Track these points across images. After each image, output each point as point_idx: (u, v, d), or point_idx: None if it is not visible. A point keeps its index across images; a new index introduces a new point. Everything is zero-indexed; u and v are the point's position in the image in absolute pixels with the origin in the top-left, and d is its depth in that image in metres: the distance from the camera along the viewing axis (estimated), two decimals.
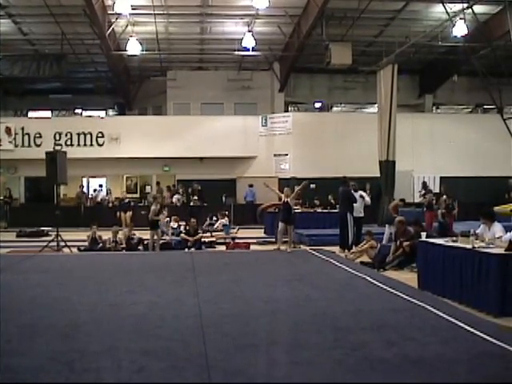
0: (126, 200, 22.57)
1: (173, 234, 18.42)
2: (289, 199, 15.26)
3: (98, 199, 25.65)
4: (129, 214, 21.33)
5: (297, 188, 16.17)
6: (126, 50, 23.05)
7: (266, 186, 16.40)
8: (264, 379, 5.16)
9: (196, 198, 23.81)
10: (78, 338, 6.43)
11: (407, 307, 8.10)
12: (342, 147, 24.75)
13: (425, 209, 18.54)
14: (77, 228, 20.43)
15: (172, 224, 19.02)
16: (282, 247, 15.18)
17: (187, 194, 24.49)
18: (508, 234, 8.79)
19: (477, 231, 9.26)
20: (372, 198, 22.16)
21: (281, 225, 15.30)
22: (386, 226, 15.83)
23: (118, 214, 21.43)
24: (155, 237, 16.02)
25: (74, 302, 8.43)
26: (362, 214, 16.33)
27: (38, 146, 24.55)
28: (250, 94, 28.20)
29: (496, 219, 9.50)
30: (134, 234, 16.94)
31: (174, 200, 23.87)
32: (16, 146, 24.95)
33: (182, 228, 18.36)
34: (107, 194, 25.77)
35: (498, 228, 9.12)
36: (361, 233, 15.78)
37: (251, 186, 24.73)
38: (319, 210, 21.19)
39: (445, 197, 18.73)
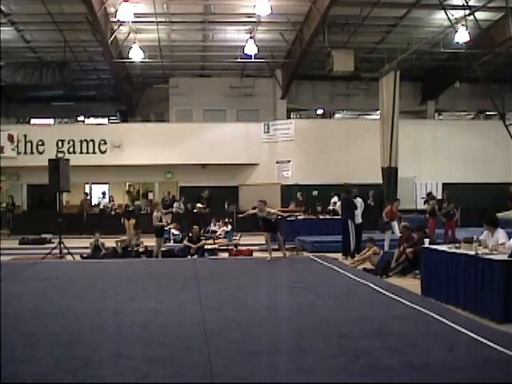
0: (131, 208, 22.56)
1: (174, 240, 18.46)
2: (264, 214, 14.83)
3: (101, 206, 25.67)
4: (132, 221, 21.25)
5: (272, 210, 15.74)
6: (128, 58, 23.14)
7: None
8: None
9: (200, 205, 23.76)
10: (81, 346, 6.41)
11: (410, 314, 8.08)
12: (344, 154, 24.74)
13: (427, 215, 18.51)
14: (80, 235, 20.49)
15: (173, 231, 19.06)
16: (274, 255, 14.89)
17: (194, 201, 24.21)
18: (511, 240, 8.77)
19: (480, 237, 9.25)
20: (375, 205, 22.32)
21: (265, 234, 15.07)
22: (386, 232, 15.94)
23: (122, 220, 21.41)
24: (161, 244, 16.07)
25: (77, 310, 8.41)
26: (360, 221, 16.35)
27: (41, 153, 24.61)
28: (253, 100, 28.25)
29: (500, 225, 9.47)
30: (142, 243, 16.95)
31: (175, 208, 23.76)
32: (18, 153, 24.99)
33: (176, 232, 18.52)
34: (110, 201, 25.77)
35: (501, 234, 9.09)
36: (360, 239, 15.80)
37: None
38: (321, 217, 21.19)
39: (445, 204, 18.75)
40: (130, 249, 16.74)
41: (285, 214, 18.33)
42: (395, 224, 16.74)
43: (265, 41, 23.29)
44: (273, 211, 15.29)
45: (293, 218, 20.32)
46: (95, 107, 30.56)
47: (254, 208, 15.15)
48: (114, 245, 17.23)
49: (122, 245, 16.98)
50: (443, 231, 17.98)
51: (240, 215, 16.75)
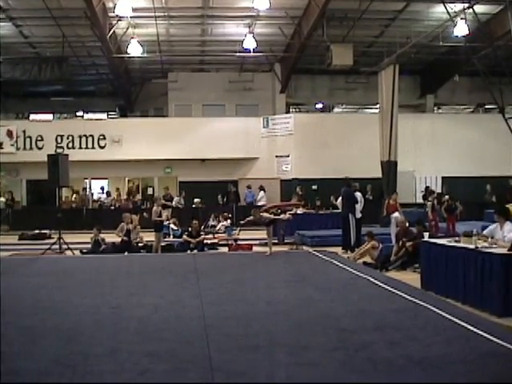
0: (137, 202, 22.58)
1: (174, 235, 18.44)
2: (262, 221, 14.95)
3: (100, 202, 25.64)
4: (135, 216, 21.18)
5: (271, 216, 15.70)
6: (127, 53, 23.05)
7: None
8: (267, 381, 5.16)
9: (199, 200, 23.75)
10: (80, 341, 6.42)
11: (410, 308, 8.09)
12: (343, 148, 24.70)
13: (426, 210, 18.47)
14: (79, 230, 20.47)
15: (172, 226, 19.02)
16: (273, 249, 15.02)
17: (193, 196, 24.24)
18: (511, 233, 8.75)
19: (491, 227, 9.28)
20: (373, 199, 22.33)
21: (267, 229, 15.11)
22: (390, 226, 16.03)
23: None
24: (161, 239, 16.05)
25: (77, 305, 8.43)
26: (360, 215, 16.36)
27: (40, 148, 24.54)
28: (252, 95, 28.19)
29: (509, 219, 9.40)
30: (142, 238, 16.90)
31: (174, 202, 23.73)
32: (18, 148, 24.93)
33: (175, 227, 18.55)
34: (109, 196, 25.74)
35: (507, 228, 8.99)
36: (360, 233, 15.79)
37: (249, 187, 24.76)
38: (321, 211, 21.17)
39: (447, 197, 18.74)
40: (132, 240, 16.53)
41: (283, 217, 18.06)
42: (397, 216, 16.59)
43: (264, 35, 23.21)
44: (273, 217, 15.37)
45: (292, 213, 20.27)
46: (94, 102, 30.53)
47: (250, 216, 15.20)
48: (114, 238, 17.07)
49: (123, 232, 16.72)
50: (443, 225, 17.98)
51: (241, 222, 16.70)
